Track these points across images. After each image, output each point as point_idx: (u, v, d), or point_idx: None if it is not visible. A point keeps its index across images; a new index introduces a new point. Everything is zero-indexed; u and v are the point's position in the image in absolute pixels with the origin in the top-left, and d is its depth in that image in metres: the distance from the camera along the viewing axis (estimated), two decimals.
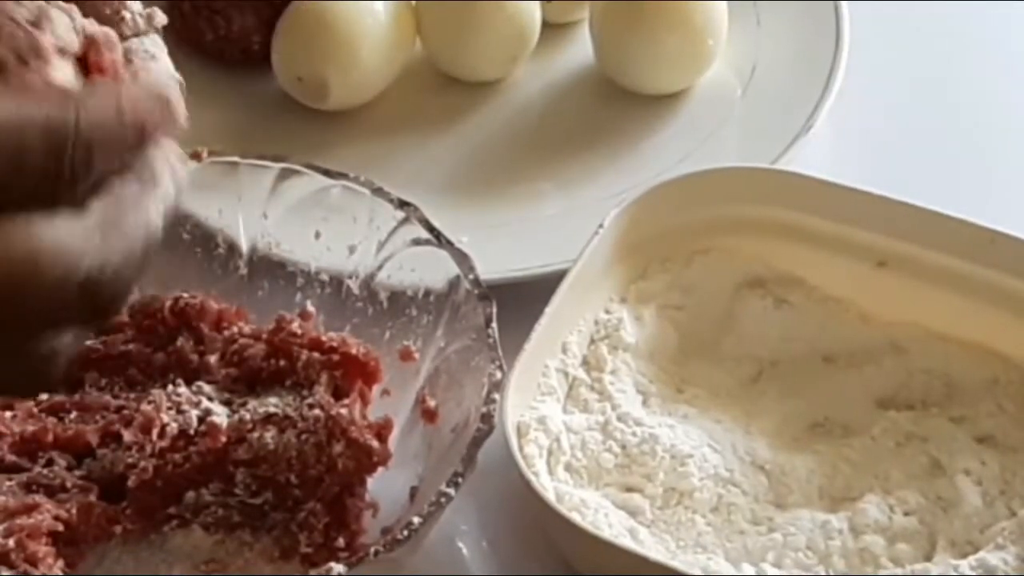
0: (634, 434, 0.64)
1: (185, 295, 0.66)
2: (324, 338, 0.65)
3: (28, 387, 0.47)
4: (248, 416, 0.62)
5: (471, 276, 0.64)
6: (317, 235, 0.69)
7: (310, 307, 0.68)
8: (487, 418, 0.59)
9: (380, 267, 0.68)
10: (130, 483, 0.61)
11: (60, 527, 0.59)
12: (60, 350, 0.44)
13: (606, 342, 0.67)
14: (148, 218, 0.45)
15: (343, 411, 0.62)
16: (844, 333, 0.69)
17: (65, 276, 0.42)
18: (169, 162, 0.46)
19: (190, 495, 0.62)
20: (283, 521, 0.62)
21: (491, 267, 0.68)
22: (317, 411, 0.62)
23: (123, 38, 0.48)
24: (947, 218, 0.68)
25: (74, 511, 0.60)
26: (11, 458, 0.62)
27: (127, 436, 0.62)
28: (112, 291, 0.44)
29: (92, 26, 0.47)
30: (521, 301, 0.65)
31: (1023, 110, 0.86)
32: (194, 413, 0.62)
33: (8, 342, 0.43)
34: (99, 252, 0.43)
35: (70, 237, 0.42)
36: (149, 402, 0.62)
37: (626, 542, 0.60)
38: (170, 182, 0.46)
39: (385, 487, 0.63)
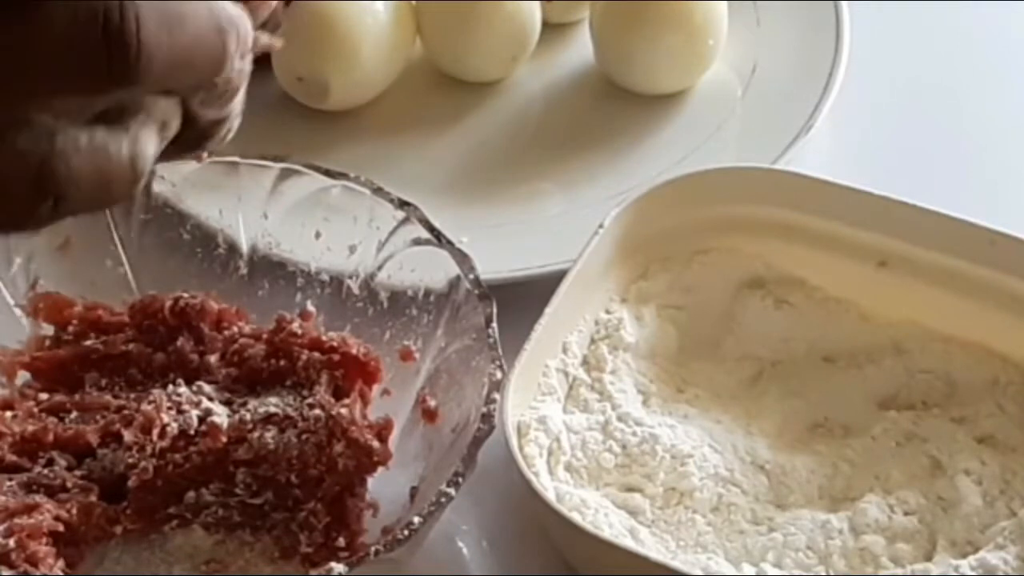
0: (634, 434, 0.64)
1: (185, 295, 0.66)
2: (324, 338, 0.65)
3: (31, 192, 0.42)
4: (248, 416, 0.62)
5: (471, 276, 0.64)
6: (317, 235, 0.69)
7: (310, 307, 0.68)
8: (487, 418, 0.59)
9: (380, 267, 0.68)
10: (130, 483, 0.61)
11: (60, 527, 0.59)
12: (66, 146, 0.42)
13: (606, 342, 0.67)
14: None
15: (343, 411, 0.62)
16: (844, 333, 0.69)
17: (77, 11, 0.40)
18: None
19: (190, 495, 0.62)
20: (283, 521, 0.62)
21: (491, 267, 0.68)
22: (317, 411, 0.62)
23: None
24: (947, 218, 0.68)
25: (74, 511, 0.60)
26: (11, 458, 0.62)
27: (127, 436, 0.62)
28: (137, 43, 0.41)
29: None
30: (521, 301, 0.65)
31: (1023, 110, 0.86)
32: (194, 413, 0.62)
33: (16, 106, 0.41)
34: None
35: None
36: (149, 402, 0.62)
37: (626, 542, 0.60)
38: None
39: (385, 487, 0.63)
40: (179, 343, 0.66)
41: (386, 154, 0.82)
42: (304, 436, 0.61)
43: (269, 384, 0.64)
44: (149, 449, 0.61)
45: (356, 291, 0.68)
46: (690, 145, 0.81)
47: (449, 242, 0.66)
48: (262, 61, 0.88)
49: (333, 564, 0.56)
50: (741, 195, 0.70)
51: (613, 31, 0.82)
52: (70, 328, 0.66)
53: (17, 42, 0.40)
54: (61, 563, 0.59)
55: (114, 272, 0.69)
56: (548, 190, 0.80)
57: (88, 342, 0.66)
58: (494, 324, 0.62)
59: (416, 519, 0.56)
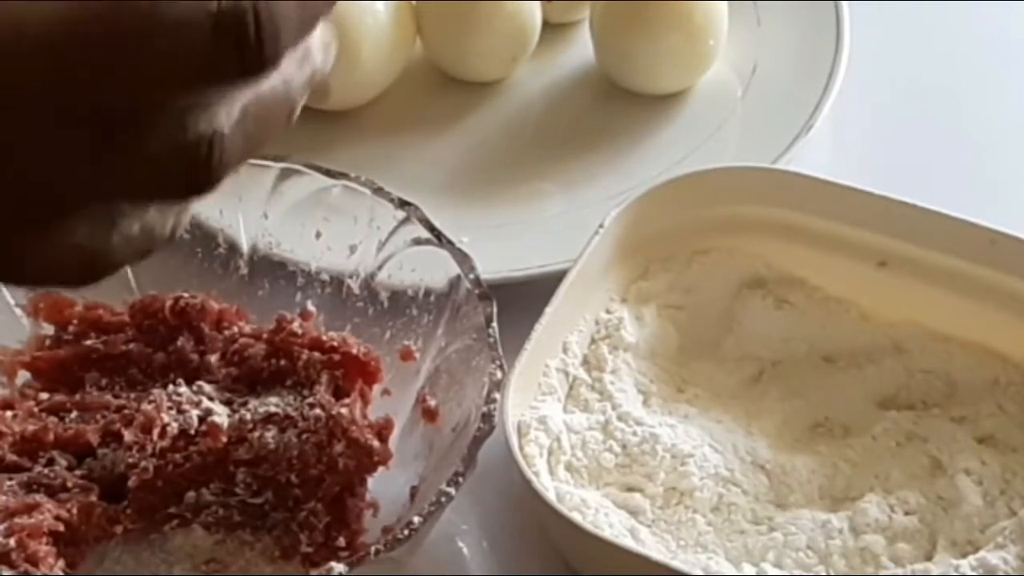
0: (635, 434, 0.64)
1: (186, 295, 0.66)
2: (324, 338, 0.65)
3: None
4: (249, 416, 0.62)
5: (472, 276, 0.64)
6: (317, 235, 0.69)
7: (310, 307, 0.68)
8: (487, 418, 0.59)
9: (380, 267, 0.68)
10: (131, 483, 0.61)
11: (61, 527, 0.59)
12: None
13: (607, 342, 0.67)
14: None
15: (344, 411, 0.62)
16: (845, 333, 0.69)
17: (193, 9, 0.33)
18: None
19: (191, 495, 0.62)
20: (284, 521, 0.62)
21: (491, 267, 0.68)
22: (318, 411, 0.62)
23: None
24: (947, 218, 0.68)
25: (75, 511, 0.60)
26: (12, 458, 0.62)
27: (128, 436, 0.62)
28: (265, 36, 0.35)
29: None
30: (521, 301, 0.65)
31: (1023, 110, 0.86)
32: (195, 413, 0.62)
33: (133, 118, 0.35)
34: None
35: None
36: (150, 402, 0.62)
37: (627, 542, 0.60)
38: None
39: (385, 487, 0.63)
40: (179, 343, 0.66)
41: (386, 154, 0.82)
42: (304, 436, 0.61)
43: (269, 384, 0.64)
44: (149, 449, 0.61)
45: (356, 291, 0.68)
46: (690, 145, 0.81)
47: (449, 242, 0.66)
48: None
49: (333, 564, 0.56)
50: (741, 195, 0.70)
51: (613, 31, 0.82)
52: (70, 328, 0.66)
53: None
54: (61, 563, 0.59)
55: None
56: (548, 190, 0.80)
57: (88, 342, 0.66)
58: (494, 324, 0.62)
59: (416, 519, 0.56)
